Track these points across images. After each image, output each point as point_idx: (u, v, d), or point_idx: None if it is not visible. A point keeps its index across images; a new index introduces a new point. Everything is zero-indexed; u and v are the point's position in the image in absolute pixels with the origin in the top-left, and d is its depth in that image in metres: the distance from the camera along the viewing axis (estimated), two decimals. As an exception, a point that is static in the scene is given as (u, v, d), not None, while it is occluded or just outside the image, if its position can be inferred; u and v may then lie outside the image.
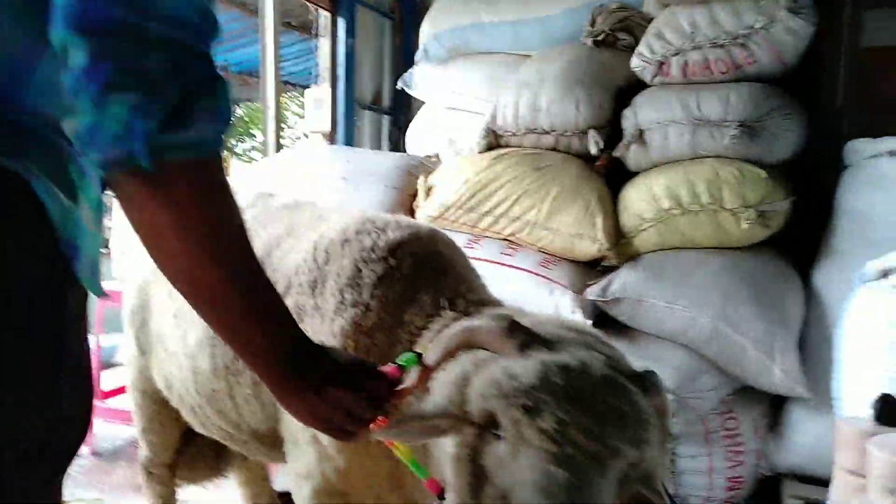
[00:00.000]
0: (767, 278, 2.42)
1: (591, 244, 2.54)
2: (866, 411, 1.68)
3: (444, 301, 1.27)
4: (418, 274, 1.31)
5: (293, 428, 1.40)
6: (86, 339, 0.84)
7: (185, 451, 2.09)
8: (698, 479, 2.37)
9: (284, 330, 0.93)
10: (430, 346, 1.08)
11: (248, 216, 1.62)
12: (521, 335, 0.98)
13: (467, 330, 1.03)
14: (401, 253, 1.33)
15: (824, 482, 1.76)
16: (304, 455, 1.38)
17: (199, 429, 1.76)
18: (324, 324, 1.31)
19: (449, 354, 1.03)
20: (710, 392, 2.34)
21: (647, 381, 1.00)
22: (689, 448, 2.41)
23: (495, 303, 1.32)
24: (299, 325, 1.22)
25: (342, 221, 1.44)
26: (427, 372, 1.03)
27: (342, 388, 0.95)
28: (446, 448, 0.99)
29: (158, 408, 1.88)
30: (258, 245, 1.50)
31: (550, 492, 0.84)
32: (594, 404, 0.89)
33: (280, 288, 1.41)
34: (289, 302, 1.38)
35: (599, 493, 0.86)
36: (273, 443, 1.52)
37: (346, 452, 1.27)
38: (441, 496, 1.01)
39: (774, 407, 2.47)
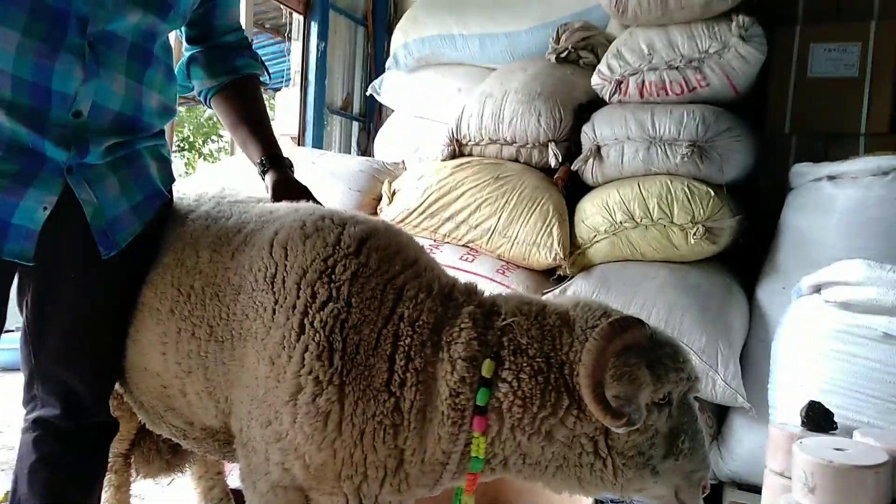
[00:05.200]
0: (712, 292, 2.53)
1: (548, 253, 2.62)
2: (797, 418, 1.77)
3: (425, 289, 1.34)
4: (389, 267, 1.35)
5: (243, 425, 1.41)
6: None
7: (140, 444, 2.08)
8: (641, 483, 2.45)
9: None
10: (585, 353, 1.21)
11: (201, 213, 1.60)
12: (648, 328, 1.26)
13: (627, 335, 1.21)
14: (366, 249, 1.36)
15: (761, 490, 1.84)
16: (257, 451, 1.38)
17: (150, 426, 1.75)
18: (291, 318, 1.31)
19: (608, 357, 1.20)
20: (654, 400, 2.43)
21: None
22: (633, 453, 2.49)
23: (455, 282, 1.44)
24: (255, 321, 1.31)
25: (296, 216, 1.45)
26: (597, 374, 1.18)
27: None
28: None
29: (115, 402, 1.88)
30: (208, 241, 1.50)
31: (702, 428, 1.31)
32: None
33: (234, 284, 1.41)
34: (243, 298, 1.38)
35: None
36: (227, 440, 1.53)
37: (330, 446, 1.28)
38: None
39: (717, 416, 2.57)
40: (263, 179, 1.68)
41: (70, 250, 1.41)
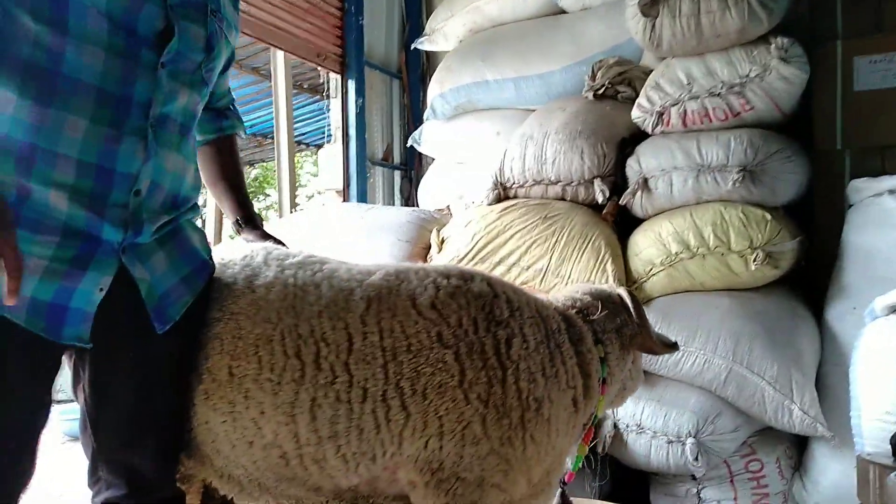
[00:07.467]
0: (779, 317, 2.45)
1: (603, 290, 2.59)
2: (885, 446, 1.69)
3: (548, 306, 1.65)
4: (519, 297, 1.60)
5: (439, 468, 1.49)
6: None
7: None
8: (724, 522, 2.35)
9: None
10: (639, 317, 1.74)
11: (270, 279, 1.60)
12: None
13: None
14: (498, 289, 1.59)
15: (850, 523, 1.75)
16: (467, 480, 1.49)
17: (242, 499, 1.69)
18: (489, 362, 1.48)
19: None
20: (730, 434, 2.35)
21: None
22: (714, 492, 2.40)
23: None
24: (434, 376, 1.48)
25: (418, 279, 1.57)
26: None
27: None
28: None
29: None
30: (314, 309, 1.52)
31: None
32: None
33: (386, 346, 1.48)
34: (404, 358, 1.47)
35: None
36: (354, 498, 1.58)
37: (562, 451, 1.61)
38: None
39: (798, 447, 2.46)
40: (239, 234, 1.85)
41: (124, 329, 1.43)
